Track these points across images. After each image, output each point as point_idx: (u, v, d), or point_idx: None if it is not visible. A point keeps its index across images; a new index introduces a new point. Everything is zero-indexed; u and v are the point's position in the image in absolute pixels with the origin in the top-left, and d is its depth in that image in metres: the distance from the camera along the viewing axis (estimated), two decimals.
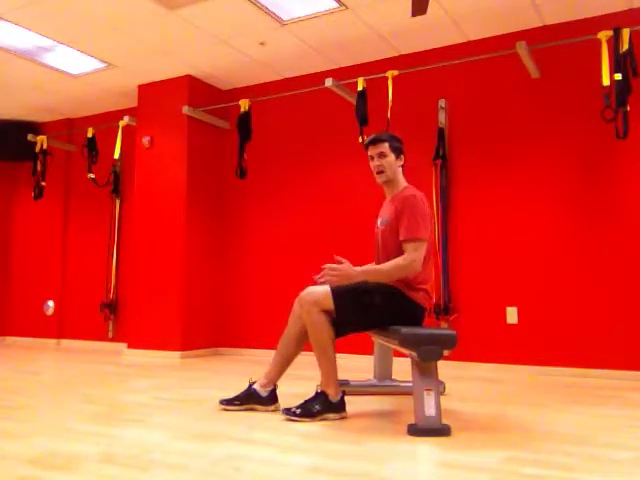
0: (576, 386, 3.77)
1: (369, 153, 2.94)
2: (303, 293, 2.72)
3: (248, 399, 2.83)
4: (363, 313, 2.70)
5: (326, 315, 2.65)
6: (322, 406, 2.60)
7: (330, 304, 2.64)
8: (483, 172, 4.74)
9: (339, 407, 2.64)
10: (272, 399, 2.83)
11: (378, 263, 2.90)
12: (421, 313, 2.81)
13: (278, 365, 2.87)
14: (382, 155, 2.89)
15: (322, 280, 2.66)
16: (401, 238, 2.72)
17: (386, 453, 2.06)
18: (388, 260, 2.77)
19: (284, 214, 5.61)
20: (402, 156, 2.96)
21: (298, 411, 2.59)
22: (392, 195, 2.93)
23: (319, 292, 2.67)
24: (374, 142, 2.91)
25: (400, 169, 2.95)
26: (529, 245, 4.51)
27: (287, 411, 2.61)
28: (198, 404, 3.04)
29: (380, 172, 2.90)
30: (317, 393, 2.66)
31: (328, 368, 2.66)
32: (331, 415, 2.61)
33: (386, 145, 2.89)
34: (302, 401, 2.65)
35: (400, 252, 2.72)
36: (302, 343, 2.83)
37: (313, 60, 5.33)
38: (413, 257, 2.66)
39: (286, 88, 5.63)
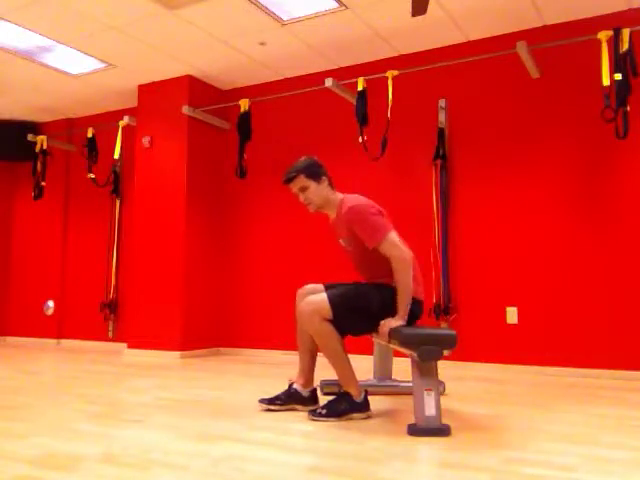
0: (576, 386, 3.77)
1: (291, 191, 2.88)
2: (302, 304, 2.69)
3: (289, 399, 2.83)
4: (362, 318, 2.70)
5: (329, 322, 2.64)
6: (347, 406, 2.62)
7: (329, 313, 2.63)
8: (483, 172, 4.74)
9: (364, 406, 2.65)
10: (313, 399, 2.85)
11: (363, 274, 2.93)
12: (419, 307, 2.78)
13: (305, 361, 2.86)
14: (303, 189, 2.83)
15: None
16: (372, 247, 2.69)
17: (386, 453, 2.06)
18: (371, 269, 2.82)
19: (284, 214, 5.61)
20: (324, 177, 2.86)
21: (324, 411, 2.60)
22: (336, 213, 2.88)
23: (317, 301, 2.65)
24: (289, 180, 2.84)
25: (328, 188, 2.87)
26: (529, 245, 4.51)
27: (313, 412, 2.62)
28: (198, 404, 3.04)
29: (308, 204, 2.87)
30: (341, 394, 2.67)
31: (345, 371, 2.67)
32: (356, 415, 2.62)
33: (302, 177, 2.82)
34: (326, 402, 2.66)
35: (379, 256, 2.70)
36: None
37: (313, 60, 5.33)
38: (397, 252, 2.64)
39: (286, 88, 5.63)
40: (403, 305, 2.61)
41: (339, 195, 2.89)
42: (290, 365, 4.77)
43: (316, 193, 2.84)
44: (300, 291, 2.92)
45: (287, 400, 2.83)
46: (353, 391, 2.65)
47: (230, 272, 5.87)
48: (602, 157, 4.33)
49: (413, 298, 2.69)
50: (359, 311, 2.69)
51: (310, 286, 2.91)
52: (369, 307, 2.69)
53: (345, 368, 2.67)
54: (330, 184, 2.89)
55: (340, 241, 2.95)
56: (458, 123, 4.88)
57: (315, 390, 2.87)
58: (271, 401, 2.84)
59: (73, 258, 6.78)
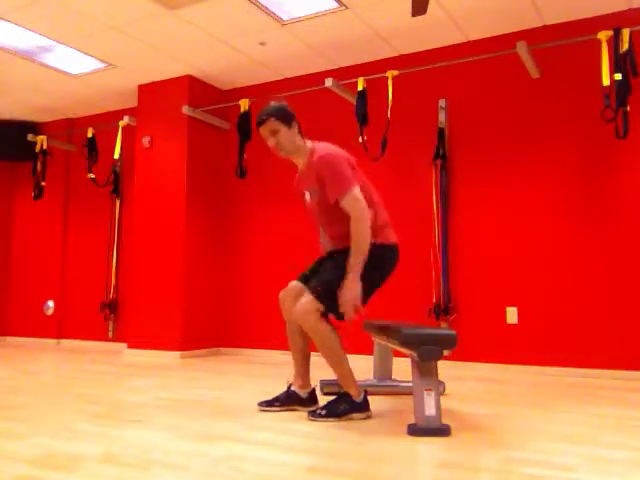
0: (576, 386, 3.77)
1: (261, 134, 2.80)
2: (294, 310, 2.64)
3: (288, 400, 2.82)
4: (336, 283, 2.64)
5: (325, 321, 2.61)
6: (347, 406, 2.60)
7: (321, 308, 2.59)
8: (483, 172, 4.74)
9: (363, 406, 2.64)
10: (312, 400, 2.84)
11: (327, 230, 2.83)
12: (395, 252, 2.75)
13: (299, 362, 2.85)
14: (273, 132, 2.75)
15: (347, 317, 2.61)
16: (334, 199, 2.63)
17: (386, 453, 2.06)
18: (333, 226, 2.74)
19: (284, 214, 5.61)
20: (294, 122, 2.79)
21: (323, 412, 2.58)
22: (305, 161, 2.81)
23: (306, 302, 2.60)
24: (260, 123, 2.76)
25: (298, 135, 2.80)
26: (529, 245, 4.51)
27: (312, 413, 2.60)
28: (198, 404, 3.04)
29: (278, 150, 2.78)
30: (340, 394, 2.66)
31: (344, 371, 2.65)
32: (356, 415, 2.61)
33: (272, 120, 2.74)
34: (326, 402, 2.65)
35: (341, 212, 2.63)
36: (304, 333, 2.81)
37: (313, 60, 5.33)
38: (358, 208, 2.58)
39: (286, 88, 5.63)
40: (356, 266, 2.55)
41: (309, 143, 2.82)
42: (290, 365, 4.76)
43: (286, 137, 2.76)
44: (282, 294, 2.85)
45: (286, 401, 2.82)
46: (353, 391, 2.63)
47: (230, 272, 5.87)
48: (602, 157, 4.33)
49: (383, 243, 2.68)
50: (332, 282, 2.62)
51: (291, 285, 2.83)
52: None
53: (344, 368, 2.65)
54: (300, 131, 2.82)
55: (305, 193, 2.85)
56: (458, 123, 4.88)
57: (314, 391, 2.86)
58: (270, 403, 2.83)
59: (73, 258, 6.78)
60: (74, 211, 6.85)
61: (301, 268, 5.39)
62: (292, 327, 2.83)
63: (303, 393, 2.82)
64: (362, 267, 2.56)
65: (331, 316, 2.67)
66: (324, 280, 2.65)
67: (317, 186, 2.71)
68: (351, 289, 2.55)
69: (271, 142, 2.77)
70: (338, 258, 2.68)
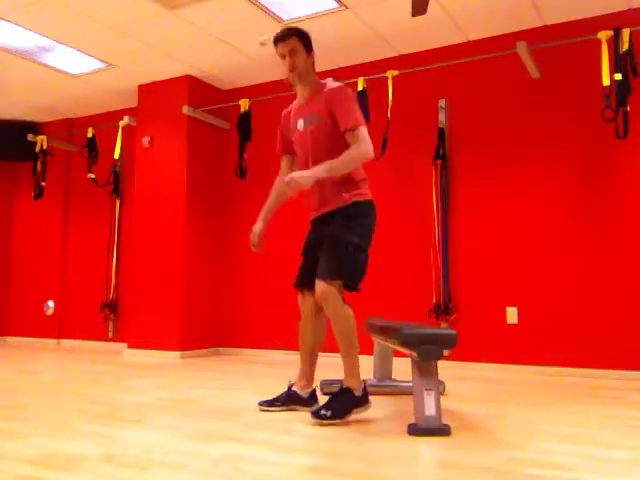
0: (576, 386, 3.77)
1: (278, 51, 2.71)
2: (319, 294, 2.59)
3: (289, 400, 2.81)
4: (360, 256, 2.63)
5: (347, 306, 2.60)
6: (350, 403, 2.54)
7: (339, 287, 2.58)
8: (483, 172, 4.74)
9: (364, 400, 2.58)
10: (313, 399, 2.82)
11: (308, 168, 2.69)
12: (374, 208, 2.73)
13: (306, 362, 2.83)
14: (293, 52, 2.67)
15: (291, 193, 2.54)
16: (345, 128, 2.58)
17: (386, 453, 2.06)
18: (323, 156, 2.64)
19: (283, 214, 5.61)
20: (312, 52, 2.74)
21: (328, 413, 2.49)
22: (310, 93, 2.75)
23: (322, 290, 2.56)
24: (283, 38, 2.68)
25: (312, 66, 2.75)
26: (529, 245, 4.51)
27: (317, 415, 2.50)
28: (198, 404, 3.03)
29: (292, 70, 2.69)
30: (342, 390, 2.58)
31: (355, 361, 2.60)
32: (357, 409, 2.56)
33: (295, 40, 2.67)
34: (327, 401, 2.56)
35: (335, 149, 2.60)
36: (318, 331, 2.81)
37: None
38: (367, 144, 2.57)
39: (286, 88, 5.62)
40: (323, 168, 2.51)
41: (317, 78, 2.79)
42: (290, 365, 4.77)
43: (303, 62, 2.70)
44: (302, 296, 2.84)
45: (286, 402, 2.81)
46: (355, 384, 2.57)
47: (230, 272, 5.87)
48: (602, 157, 4.33)
49: (369, 200, 2.70)
50: (353, 256, 2.60)
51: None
52: (356, 245, 2.61)
53: (355, 357, 2.61)
54: (313, 65, 2.77)
55: (297, 123, 2.78)
56: (458, 123, 4.88)
57: (314, 391, 2.84)
58: (270, 403, 2.82)
59: (73, 258, 6.78)
60: (74, 211, 6.85)
61: None
62: (305, 325, 2.82)
63: (304, 393, 2.81)
64: (323, 176, 2.52)
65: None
66: (330, 260, 2.61)
67: (322, 113, 2.65)
68: (305, 177, 2.48)
69: (287, 61, 2.69)
70: (337, 231, 2.63)
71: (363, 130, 2.58)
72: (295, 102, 2.88)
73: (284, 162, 3.09)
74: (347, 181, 2.68)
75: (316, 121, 2.68)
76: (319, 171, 2.52)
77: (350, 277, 2.60)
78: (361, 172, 2.73)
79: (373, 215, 2.73)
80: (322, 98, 2.66)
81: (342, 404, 2.54)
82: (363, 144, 2.56)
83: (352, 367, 2.60)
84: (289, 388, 2.84)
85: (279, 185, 3.09)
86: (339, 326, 2.59)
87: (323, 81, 2.75)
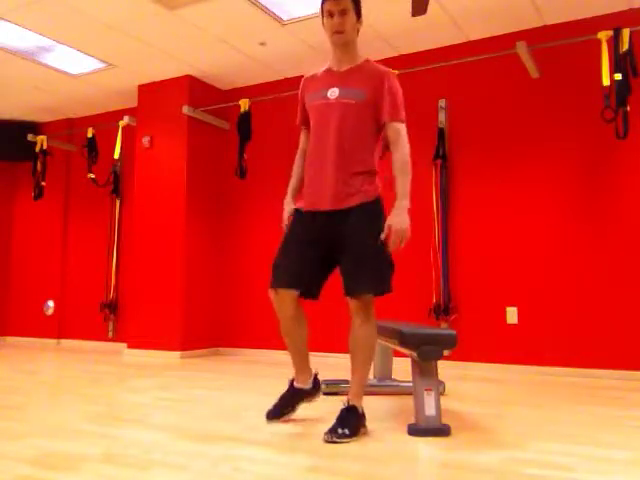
0: (576, 386, 3.77)
1: (327, 8, 2.45)
2: (362, 307, 2.38)
3: (296, 399, 2.61)
4: (385, 261, 2.38)
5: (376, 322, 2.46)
6: (359, 422, 2.34)
7: (373, 301, 2.40)
8: (483, 172, 4.74)
9: (364, 418, 2.40)
10: (316, 387, 2.64)
11: (324, 145, 2.45)
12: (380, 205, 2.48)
13: (298, 360, 2.61)
14: (344, 12, 2.42)
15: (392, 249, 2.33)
16: (392, 118, 2.44)
17: (386, 453, 2.06)
18: (342, 141, 2.42)
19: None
20: (361, 20, 2.51)
21: (347, 431, 2.25)
22: (352, 64, 2.51)
23: (372, 300, 2.40)
24: None
25: (357, 34, 2.52)
26: (529, 245, 4.51)
27: (335, 434, 2.23)
28: (198, 404, 3.03)
29: (340, 32, 2.44)
30: (349, 407, 2.35)
31: (365, 379, 2.44)
32: (363, 429, 2.36)
33: (349, 1, 2.43)
34: (340, 419, 2.31)
35: (361, 133, 2.42)
36: (302, 325, 2.57)
37: (313, 60, 5.33)
38: (407, 144, 2.44)
39: (286, 88, 5.63)
40: (403, 192, 2.35)
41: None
42: (290, 365, 4.76)
43: (352, 26, 2.45)
44: (279, 297, 2.60)
45: (294, 401, 2.60)
46: (360, 402, 2.40)
47: (230, 272, 5.87)
48: (602, 157, 4.33)
49: (379, 195, 2.45)
50: (390, 263, 2.39)
51: (287, 293, 2.55)
52: (382, 244, 2.35)
53: (367, 377, 2.46)
54: (358, 33, 2.54)
55: (328, 90, 2.49)
56: (458, 123, 4.88)
57: (316, 376, 2.65)
58: (279, 412, 2.57)
59: (73, 258, 6.78)
60: (74, 211, 6.85)
61: None
62: (288, 326, 2.55)
63: (307, 385, 2.61)
64: (408, 202, 2.34)
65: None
66: (373, 274, 2.36)
67: (368, 92, 2.42)
68: (407, 218, 2.31)
69: (336, 19, 2.43)
70: (360, 244, 2.37)
71: (404, 127, 2.48)
72: (323, 68, 2.60)
73: (304, 136, 2.72)
74: (368, 171, 2.45)
75: (356, 97, 2.43)
76: (405, 202, 2.35)
77: (389, 285, 2.40)
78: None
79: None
80: (370, 76, 2.45)
81: (355, 422, 2.32)
82: (406, 144, 2.45)
83: (362, 385, 2.42)
84: (291, 386, 2.63)
85: (300, 162, 2.71)
86: (370, 341, 2.41)
87: (365, 57, 2.53)
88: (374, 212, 2.41)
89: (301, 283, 2.51)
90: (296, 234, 2.55)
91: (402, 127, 2.46)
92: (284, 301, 2.56)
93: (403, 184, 2.37)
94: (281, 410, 2.58)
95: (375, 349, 2.46)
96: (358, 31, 2.51)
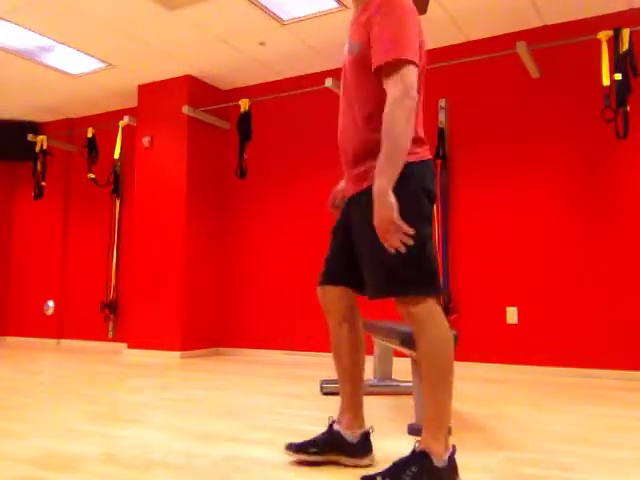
0: (576, 386, 3.77)
1: None
2: (414, 306, 1.70)
3: (330, 445, 1.93)
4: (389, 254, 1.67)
5: (445, 319, 1.73)
6: (421, 474, 1.61)
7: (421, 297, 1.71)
8: (483, 172, 4.74)
9: (449, 475, 1.64)
10: (365, 448, 1.93)
11: (345, 118, 1.88)
12: (425, 168, 1.80)
13: (346, 392, 1.96)
14: None
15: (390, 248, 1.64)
16: (377, 64, 1.71)
17: (386, 453, 2.06)
18: (351, 110, 1.84)
19: (284, 214, 5.61)
20: None
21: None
22: (358, 4, 1.88)
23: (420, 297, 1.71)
24: None
25: None
26: (529, 245, 4.51)
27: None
28: (198, 404, 3.04)
29: None
30: (414, 453, 1.66)
31: (441, 408, 1.67)
32: None
33: None
34: (393, 466, 1.66)
35: (370, 93, 1.78)
36: (355, 342, 1.97)
37: (313, 60, 5.33)
38: (404, 87, 1.65)
39: (286, 88, 5.63)
40: (386, 169, 1.63)
41: None
42: (290, 365, 4.77)
43: None
44: (326, 296, 1.98)
45: (327, 447, 1.93)
46: (437, 448, 1.63)
47: (230, 272, 5.87)
48: (602, 157, 4.33)
49: (412, 161, 1.74)
50: (387, 260, 1.70)
51: (334, 291, 1.95)
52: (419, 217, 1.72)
53: (445, 403, 1.67)
54: None
55: (345, 48, 1.92)
56: (458, 123, 4.88)
57: (367, 434, 1.94)
58: (303, 448, 1.94)
59: (73, 258, 6.78)
60: (74, 211, 6.85)
61: (301, 267, 5.43)
62: (336, 333, 1.98)
63: (352, 436, 1.92)
64: (392, 177, 1.63)
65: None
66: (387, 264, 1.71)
67: (363, 36, 1.79)
68: (382, 204, 1.62)
69: None
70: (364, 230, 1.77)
71: (404, 69, 1.66)
72: None
73: None
74: (374, 146, 1.77)
75: (355, 51, 1.82)
76: (380, 182, 1.64)
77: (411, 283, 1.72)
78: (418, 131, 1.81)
79: (423, 177, 1.78)
80: (367, 15, 1.78)
81: (408, 471, 1.62)
82: (398, 85, 1.65)
83: (436, 419, 1.67)
84: (330, 427, 1.97)
85: None
86: (436, 353, 1.70)
87: None
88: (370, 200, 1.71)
89: (337, 276, 1.96)
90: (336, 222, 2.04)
91: (397, 73, 1.66)
92: (325, 298, 1.99)
93: (383, 155, 1.66)
94: (307, 446, 1.94)
95: (442, 369, 1.68)
96: None
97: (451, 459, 1.65)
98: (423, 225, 1.72)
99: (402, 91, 1.65)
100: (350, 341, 1.97)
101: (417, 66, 1.70)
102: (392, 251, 1.65)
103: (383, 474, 1.65)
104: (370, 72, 1.77)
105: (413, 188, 1.74)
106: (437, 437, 1.65)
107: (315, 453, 1.93)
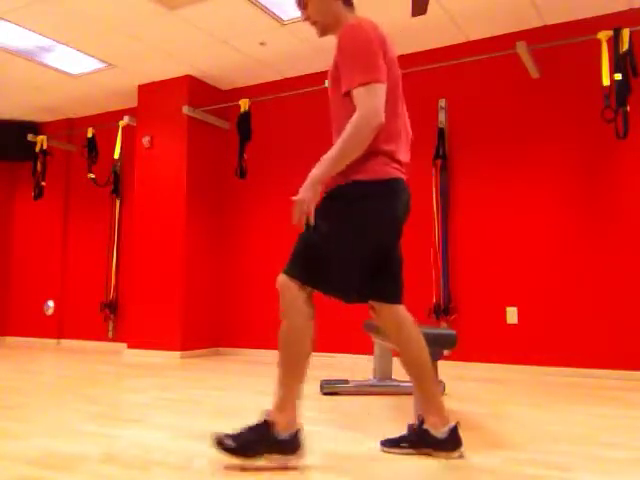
0: (576, 386, 3.77)
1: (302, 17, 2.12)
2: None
3: (420, 443, 2.05)
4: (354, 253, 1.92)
5: (308, 304, 1.93)
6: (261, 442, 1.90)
7: (294, 281, 1.91)
8: (483, 172, 4.74)
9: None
10: (455, 442, 2.02)
11: (334, 135, 2.07)
12: (394, 192, 2.07)
13: (420, 389, 2.07)
14: (303, 5, 2.06)
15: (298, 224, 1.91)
16: (344, 90, 1.92)
17: (386, 453, 2.06)
18: (338, 130, 2.01)
19: (284, 214, 5.61)
20: None
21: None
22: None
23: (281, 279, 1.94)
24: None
25: (339, 3, 2.03)
26: (529, 245, 4.51)
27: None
28: (198, 404, 3.03)
29: (312, 24, 2.08)
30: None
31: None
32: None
33: None
34: (240, 430, 1.94)
35: (344, 116, 1.95)
36: (412, 339, 2.10)
37: (313, 60, 5.33)
38: (367, 106, 1.85)
39: (286, 88, 5.63)
40: (322, 168, 1.87)
41: (350, 18, 2.04)
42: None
43: (318, 7, 2.03)
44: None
45: (417, 443, 2.05)
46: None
47: (230, 272, 5.87)
48: (602, 157, 4.33)
49: (370, 180, 1.96)
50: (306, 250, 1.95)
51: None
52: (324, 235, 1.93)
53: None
54: (344, 4, 2.05)
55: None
56: (458, 123, 4.88)
57: (456, 429, 2.02)
58: (395, 443, 2.10)
59: (73, 258, 6.78)
60: (74, 211, 6.85)
61: None
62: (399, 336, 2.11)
63: (440, 432, 2.01)
64: (325, 173, 1.88)
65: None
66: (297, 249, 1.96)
67: (333, 68, 2.01)
68: (308, 188, 1.87)
69: (302, 17, 2.10)
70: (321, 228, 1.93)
71: (368, 89, 1.86)
72: None
73: None
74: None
75: (330, 80, 2.05)
76: (314, 174, 1.89)
77: (313, 277, 1.92)
78: (386, 136, 1.99)
79: (379, 198, 2.00)
80: (335, 52, 2.00)
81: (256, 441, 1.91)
82: (364, 105, 1.85)
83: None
84: (420, 425, 2.07)
85: None
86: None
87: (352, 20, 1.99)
88: (339, 195, 1.97)
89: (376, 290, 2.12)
90: None
91: (361, 95, 1.86)
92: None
93: (330, 152, 1.89)
94: (399, 442, 2.09)
95: (294, 345, 1.91)
96: (332, 9, 2.03)
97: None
98: (343, 232, 1.92)
99: (359, 117, 1.86)
100: (409, 339, 2.10)
101: (381, 81, 1.89)
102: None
103: (233, 436, 1.91)
104: (343, 97, 1.96)
105: (372, 207, 1.97)
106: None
107: (406, 447, 2.08)
